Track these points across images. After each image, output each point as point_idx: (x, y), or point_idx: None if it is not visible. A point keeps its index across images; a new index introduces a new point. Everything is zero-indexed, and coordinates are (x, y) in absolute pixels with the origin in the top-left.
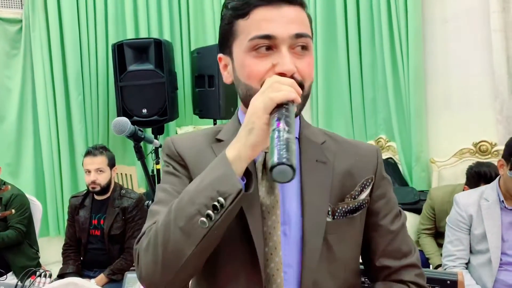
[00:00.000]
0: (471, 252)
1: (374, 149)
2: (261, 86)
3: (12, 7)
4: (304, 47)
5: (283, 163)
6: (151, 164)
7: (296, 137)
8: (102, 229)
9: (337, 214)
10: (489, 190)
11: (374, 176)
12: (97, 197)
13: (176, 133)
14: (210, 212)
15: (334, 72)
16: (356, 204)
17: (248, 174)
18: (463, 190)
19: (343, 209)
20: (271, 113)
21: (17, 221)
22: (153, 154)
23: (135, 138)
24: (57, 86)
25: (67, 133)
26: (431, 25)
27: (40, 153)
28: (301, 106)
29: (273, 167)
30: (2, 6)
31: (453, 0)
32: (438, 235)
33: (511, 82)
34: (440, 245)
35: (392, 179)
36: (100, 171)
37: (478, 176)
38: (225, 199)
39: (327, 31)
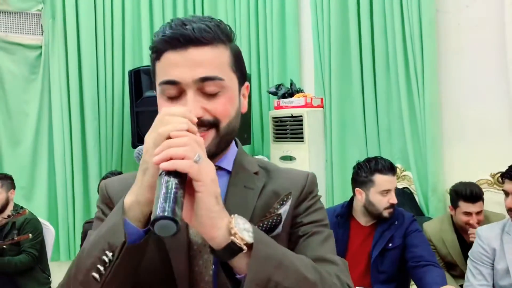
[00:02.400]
0: (494, 287)
1: (305, 173)
2: None
3: (32, 33)
4: (217, 89)
5: (164, 217)
6: None
7: (228, 170)
8: None
9: None
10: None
11: (299, 195)
12: None
13: None
14: (100, 267)
15: (348, 101)
16: (272, 220)
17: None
18: (450, 211)
19: (260, 226)
20: None
21: (30, 245)
22: None
23: None
24: (73, 111)
25: (81, 158)
26: (447, 54)
27: (54, 178)
28: (218, 144)
29: (154, 221)
30: (22, 33)
31: (468, 30)
32: (448, 267)
33: None
34: (453, 276)
35: (407, 209)
36: None
37: (455, 194)
38: (112, 252)
39: (341, 60)
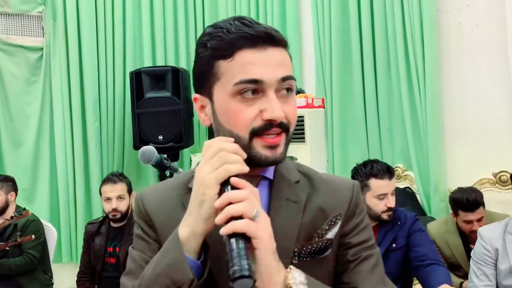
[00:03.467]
0: (497, 287)
1: (349, 184)
2: (249, 134)
3: (33, 35)
4: (289, 89)
5: (245, 276)
6: None
7: (269, 179)
8: (118, 257)
9: (302, 254)
10: None
11: (347, 211)
12: (113, 224)
13: (190, 160)
14: None
15: (350, 101)
16: (321, 244)
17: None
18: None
19: (308, 250)
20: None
21: (31, 247)
22: None
23: (161, 166)
24: (74, 113)
25: (83, 159)
26: (448, 54)
27: (55, 179)
28: (286, 149)
29: (234, 279)
30: (24, 35)
31: (469, 30)
32: (452, 268)
33: None
34: (458, 277)
35: (409, 209)
36: (121, 198)
37: (454, 203)
38: None
39: (342, 61)
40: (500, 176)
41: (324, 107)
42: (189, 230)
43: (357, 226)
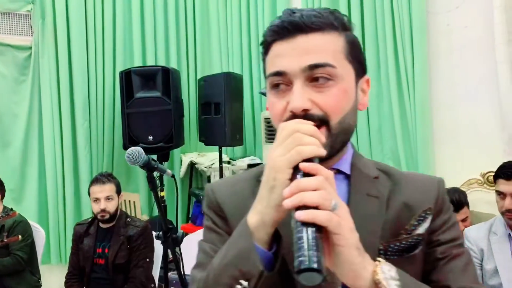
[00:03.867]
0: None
1: (435, 180)
2: None
3: (22, 34)
4: (328, 78)
5: (311, 269)
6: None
7: (346, 173)
8: (107, 258)
9: (389, 252)
10: (498, 223)
11: (435, 205)
12: (102, 225)
13: (181, 160)
14: None
15: None
16: (410, 240)
17: (278, 237)
18: None
19: (395, 247)
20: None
21: (19, 248)
22: (158, 181)
23: (149, 168)
24: (63, 113)
25: (72, 160)
26: (437, 56)
27: (44, 180)
28: (332, 145)
29: (299, 271)
30: (12, 33)
31: (458, 32)
32: None
33: None
34: None
35: None
36: (110, 198)
37: None
38: (247, 280)
39: None
40: (488, 176)
41: None
42: (258, 217)
43: (445, 223)
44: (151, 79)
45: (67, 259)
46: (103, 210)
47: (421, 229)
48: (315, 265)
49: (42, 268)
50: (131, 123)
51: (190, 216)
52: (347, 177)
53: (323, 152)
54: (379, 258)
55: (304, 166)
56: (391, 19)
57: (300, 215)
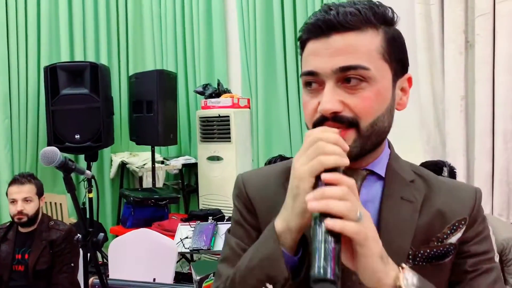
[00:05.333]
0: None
1: (472, 189)
2: (312, 128)
3: None
4: (361, 79)
5: (325, 280)
6: (83, 192)
7: (380, 175)
8: (27, 264)
9: (418, 258)
10: None
11: (470, 216)
12: (21, 229)
13: (111, 160)
14: None
15: (274, 101)
16: (441, 249)
17: (305, 243)
18: None
19: (426, 253)
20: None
21: None
22: (86, 182)
23: (65, 169)
24: None
25: None
26: None
27: None
28: (362, 146)
29: (314, 280)
30: None
31: None
32: None
33: (437, 115)
34: None
35: None
36: (28, 200)
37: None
38: (273, 285)
39: (267, 61)
40: None
41: (250, 107)
42: (284, 224)
43: (478, 234)
44: (78, 75)
45: None
46: (20, 212)
47: (454, 239)
48: (331, 277)
49: None
50: (56, 121)
51: (120, 218)
52: (381, 178)
53: (346, 161)
54: (403, 264)
55: (325, 177)
56: None
57: (329, 223)
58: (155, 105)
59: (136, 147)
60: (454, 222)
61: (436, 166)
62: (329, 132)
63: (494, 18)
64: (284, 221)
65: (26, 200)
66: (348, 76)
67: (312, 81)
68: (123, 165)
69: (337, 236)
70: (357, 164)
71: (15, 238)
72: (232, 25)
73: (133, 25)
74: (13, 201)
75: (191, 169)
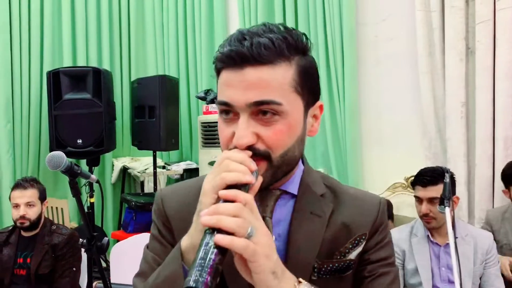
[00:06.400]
0: (405, 286)
1: (377, 200)
2: None
3: None
4: (274, 113)
5: None
6: (84, 197)
7: (293, 194)
8: (29, 268)
9: (322, 271)
10: (418, 225)
11: (372, 226)
12: (24, 234)
13: (113, 165)
14: None
15: None
16: (342, 264)
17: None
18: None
19: (329, 267)
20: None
21: None
22: (87, 186)
23: (71, 173)
24: None
25: None
26: (366, 64)
27: None
28: (273, 175)
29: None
30: None
31: (384, 43)
32: None
33: (438, 121)
34: None
35: None
36: (30, 205)
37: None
38: None
39: None
40: (411, 180)
41: None
42: (189, 241)
43: (378, 243)
44: (81, 80)
45: None
46: (23, 217)
47: (354, 254)
48: (200, 286)
49: None
50: (58, 125)
51: (121, 222)
52: (295, 196)
53: (248, 179)
54: (300, 279)
55: (222, 193)
56: (323, 29)
57: (218, 238)
58: (157, 110)
59: (138, 152)
60: (356, 237)
61: (435, 172)
62: (238, 152)
63: (495, 25)
64: (189, 238)
65: (28, 204)
66: (262, 109)
67: (228, 110)
68: (124, 170)
69: (224, 251)
70: (272, 186)
71: (17, 242)
72: (234, 29)
73: (136, 31)
74: (16, 206)
75: (192, 174)
